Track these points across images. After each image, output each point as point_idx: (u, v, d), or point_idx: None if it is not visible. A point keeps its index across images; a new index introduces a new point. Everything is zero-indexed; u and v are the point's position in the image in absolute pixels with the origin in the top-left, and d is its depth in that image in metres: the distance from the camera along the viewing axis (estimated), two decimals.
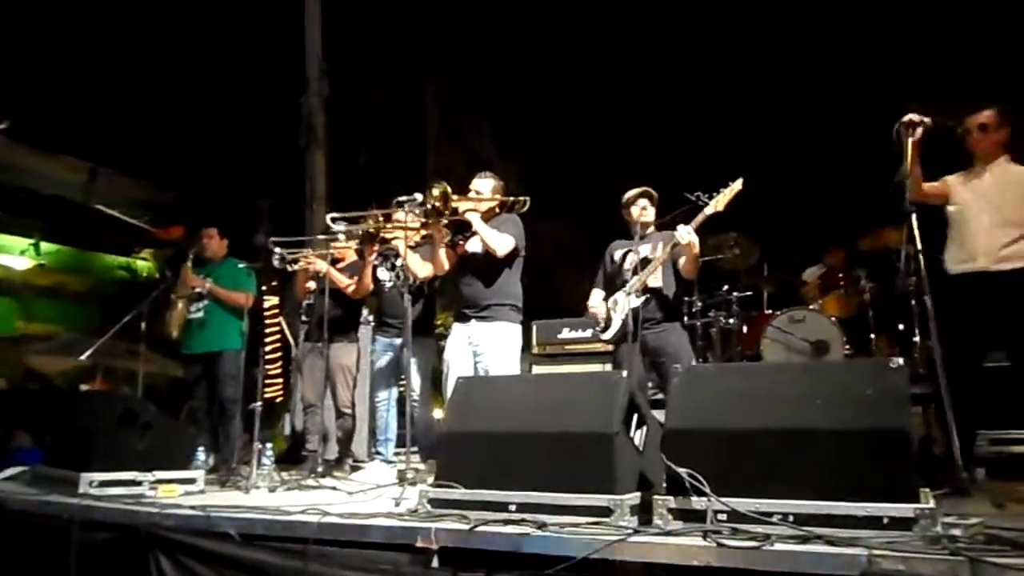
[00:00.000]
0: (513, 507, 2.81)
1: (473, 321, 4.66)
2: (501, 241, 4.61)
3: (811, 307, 6.40)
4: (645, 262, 4.48)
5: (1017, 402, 4.24)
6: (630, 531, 2.51)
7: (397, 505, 3.29)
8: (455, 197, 4.61)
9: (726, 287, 6.93)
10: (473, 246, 4.77)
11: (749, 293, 6.87)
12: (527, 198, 4.85)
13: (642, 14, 11.78)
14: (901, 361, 2.49)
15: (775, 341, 6.16)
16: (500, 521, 2.74)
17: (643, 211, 4.67)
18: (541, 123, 12.67)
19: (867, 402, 2.44)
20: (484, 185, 4.87)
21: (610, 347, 4.95)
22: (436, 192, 4.53)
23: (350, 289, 5.47)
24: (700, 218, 4.32)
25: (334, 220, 5.03)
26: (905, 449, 2.37)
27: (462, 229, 4.85)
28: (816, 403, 2.51)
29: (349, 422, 5.66)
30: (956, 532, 2.29)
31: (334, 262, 5.59)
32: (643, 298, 4.43)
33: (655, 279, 4.48)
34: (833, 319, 6.09)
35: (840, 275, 6.61)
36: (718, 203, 4.31)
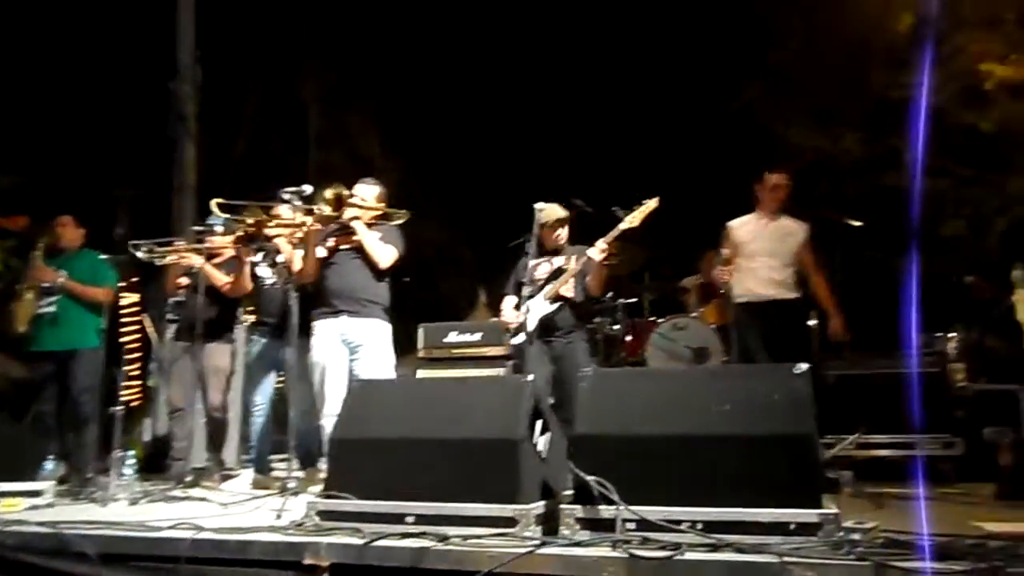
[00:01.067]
0: (411, 519, 2.64)
1: (344, 316, 4.45)
2: (386, 253, 4.46)
3: (692, 315, 6.54)
4: (559, 272, 4.52)
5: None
6: (537, 543, 2.40)
7: (279, 518, 3.05)
8: (349, 203, 4.43)
9: (611, 294, 6.99)
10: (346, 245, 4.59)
11: (634, 300, 6.95)
12: (407, 212, 4.73)
13: (527, 20, 11.86)
14: (805, 366, 2.51)
15: (659, 348, 6.25)
16: (397, 534, 2.56)
17: (558, 236, 4.70)
18: (425, 126, 12.53)
19: (774, 407, 2.45)
20: (369, 192, 4.68)
21: (500, 352, 4.89)
22: (329, 195, 4.30)
23: (227, 287, 5.11)
24: (614, 233, 4.38)
25: (221, 207, 4.65)
26: (811, 454, 2.38)
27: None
28: (725, 408, 2.49)
29: (220, 427, 5.27)
30: (856, 537, 2.32)
31: (209, 257, 5.21)
32: (556, 305, 4.47)
33: (567, 289, 4.53)
34: (713, 326, 6.24)
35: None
36: (634, 219, 4.39)
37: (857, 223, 6.58)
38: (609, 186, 4.62)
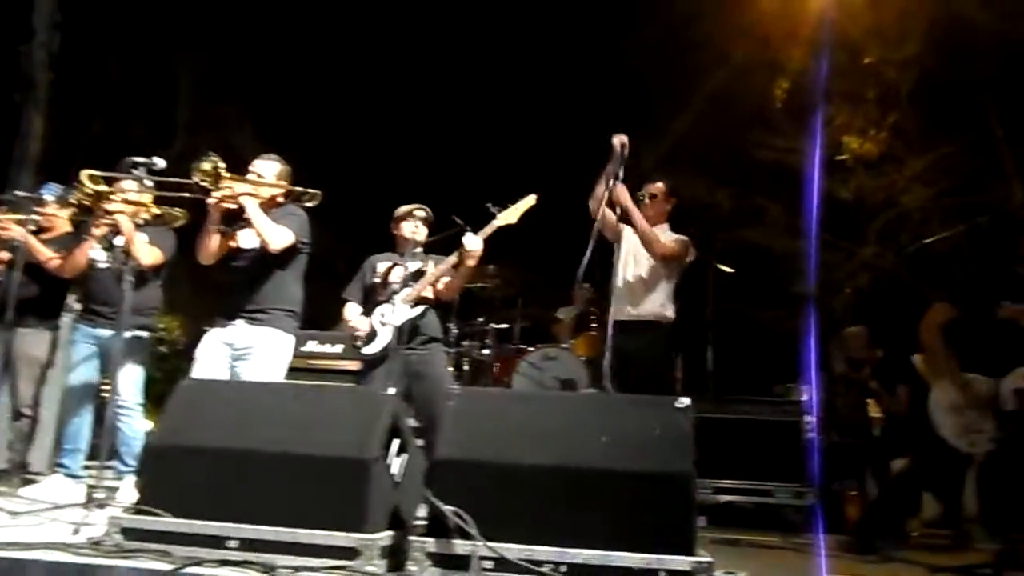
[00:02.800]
0: (234, 544, 2.26)
1: (241, 322, 3.92)
2: (277, 234, 3.93)
3: (563, 345, 6.41)
4: (419, 274, 4.12)
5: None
6: None
7: (76, 533, 2.58)
8: (228, 176, 3.89)
9: (482, 318, 6.78)
10: (248, 240, 4.05)
11: (505, 326, 6.76)
12: (319, 192, 4.19)
13: (410, 26, 11.68)
14: (688, 401, 2.35)
15: (526, 377, 6.06)
16: (215, 562, 2.18)
17: (416, 229, 4.31)
18: (304, 124, 12.03)
19: (654, 443, 2.26)
20: (268, 168, 4.15)
21: (352, 365, 4.50)
22: (206, 166, 3.80)
23: (53, 264, 4.49)
24: (490, 229, 4.07)
25: (93, 178, 4.00)
26: (687, 495, 2.21)
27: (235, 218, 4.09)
28: (602, 440, 2.28)
29: (27, 425, 4.61)
30: None
31: (39, 231, 4.58)
32: (420, 309, 4.06)
33: (428, 293, 4.14)
34: (583, 359, 6.13)
35: (593, 315, 6.71)
36: (509, 215, 4.09)
37: (728, 269, 6.73)
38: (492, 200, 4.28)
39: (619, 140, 4.15)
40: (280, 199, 4.10)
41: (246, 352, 3.88)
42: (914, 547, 4.24)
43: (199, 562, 2.15)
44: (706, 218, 11.51)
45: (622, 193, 4.25)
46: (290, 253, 3.99)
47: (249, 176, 4.06)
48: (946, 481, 5.41)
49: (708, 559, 2.13)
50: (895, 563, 3.45)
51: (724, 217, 11.54)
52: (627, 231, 4.41)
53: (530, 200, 4.16)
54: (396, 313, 4.05)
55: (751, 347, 10.65)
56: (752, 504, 5.21)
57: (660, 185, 4.60)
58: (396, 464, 2.55)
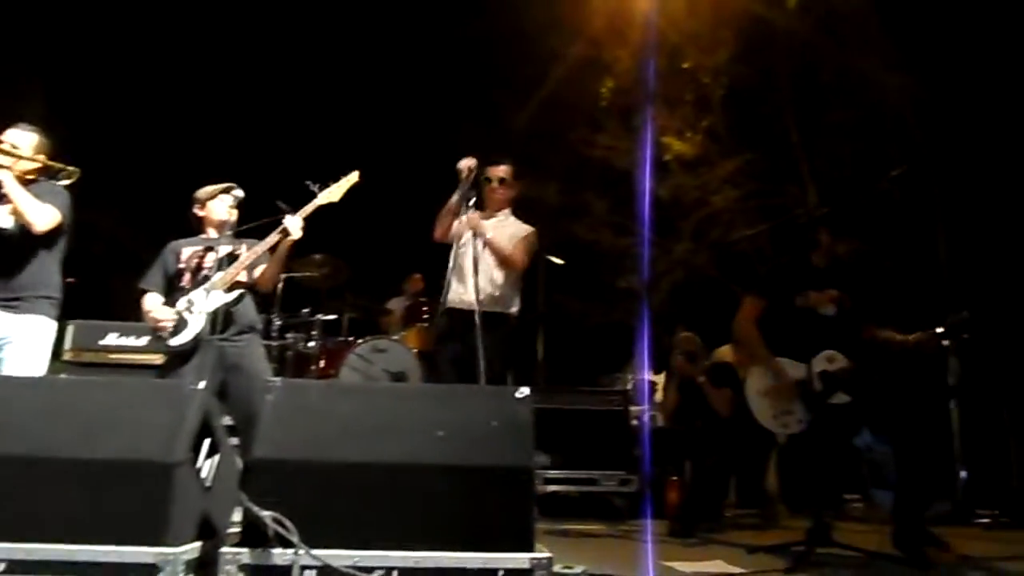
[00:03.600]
0: (1, 566, 1.91)
1: None
2: (43, 213, 3.47)
3: (394, 337, 6.21)
4: (232, 257, 3.76)
5: None
6: None
7: None
8: None
9: (307, 309, 6.43)
10: (3, 220, 3.53)
11: (333, 317, 6.46)
12: (77, 169, 3.75)
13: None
14: (528, 390, 2.25)
15: (354, 369, 5.81)
16: None
17: (229, 210, 3.93)
18: (102, 104, 10.97)
19: (492, 435, 2.14)
20: (23, 139, 3.64)
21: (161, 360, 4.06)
22: None
23: None
24: (311, 207, 3.78)
25: None
26: (527, 490, 2.11)
27: None
28: (438, 434, 2.14)
29: None
30: None
31: None
32: (235, 295, 3.69)
33: (243, 278, 3.78)
34: (414, 351, 5.96)
35: (424, 306, 6.56)
36: (332, 193, 3.82)
37: (559, 261, 6.82)
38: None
39: (466, 165, 4.01)
40: (32, 175, 3.64)
41: (3, 342, 3.42)
42: (728, 528, 4.45)
43: None
44: (535, 212, 11.63)
45: (477, 223, 4.09)
46: (55, 234, 3.58)
47: (2, 147, 3.56)
48: (753, 464, 5.78)
49: (547, 555, 2.05)
50: (715, 545, 3.56)
51: (552, 212, 11.75)
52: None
53: (353, 177, 3.90)
54: (208, 300, 3.67)
55: (579, 339, 10.93)
56: (578, 493, 5.27)
57: (506, 168, 4.41)
58: (206, 467, 2.27)
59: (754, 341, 3.70)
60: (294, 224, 3.69)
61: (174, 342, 3.64)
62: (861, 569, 2.88)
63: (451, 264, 4.16)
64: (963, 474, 5.90)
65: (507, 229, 4.35)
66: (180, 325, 3.66)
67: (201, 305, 3.67)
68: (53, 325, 3.61)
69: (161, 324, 3.68)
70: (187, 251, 3.86)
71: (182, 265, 3.84)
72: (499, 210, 4.38)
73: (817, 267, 3.76)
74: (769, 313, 3.73)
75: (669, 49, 10.52)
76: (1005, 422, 6.11)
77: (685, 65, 10.76)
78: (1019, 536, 4.37)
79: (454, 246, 4.19)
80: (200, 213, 3.96)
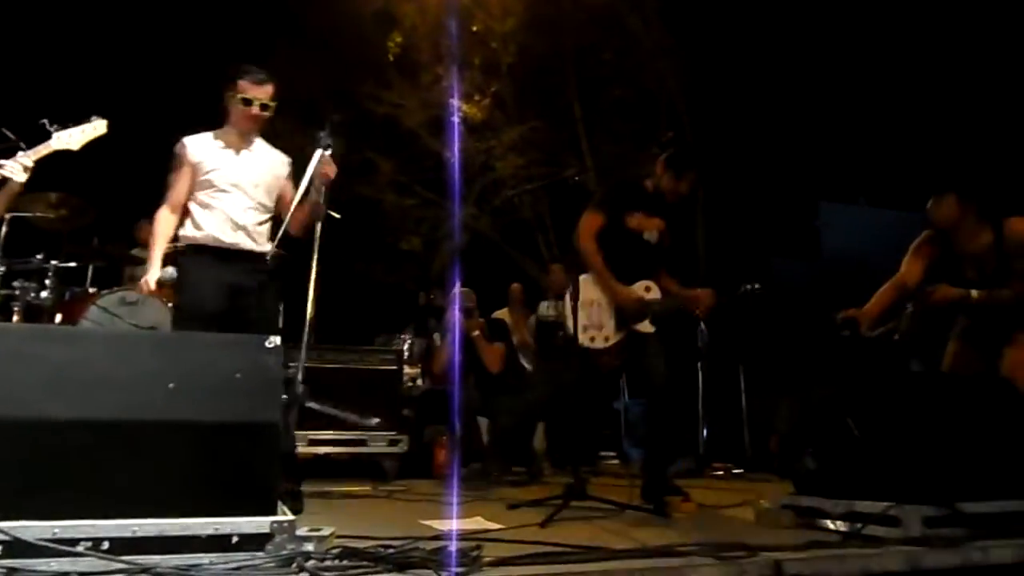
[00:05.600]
0: None
1: None
2: None
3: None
4: None
5: None
6: None
7: None
8: None
9: (40, 255, 5.62)
10: None
11: (72, 264, 5.69)
12: None
13: None
14: (278, 340, 2.04)
15: (97, 324, 5.19)
16: None
17: None
18: None
19: (235, 388, 1.92)
20: None
21: None
22: None
23: None
24: (44, 150, 3.23)
25: None
26: (271, 447, 1.92)
27: None
28: (169, 387, 1.87)
29: None
30: (310, 548, 1.93)
31: None
32: None
33: None
34: (171, 304, 5.42)
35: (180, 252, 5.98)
36: (72, 138, 3.28)
37: (336, 215, 6.50)
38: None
39: None
40: None
41: None
42: (493, 485, 4.51)
43: None
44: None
45: None
46: None
47: None
48: (523, 426, 5.91)
49: (289, 517, 1.88)
50: (476, 502, 3.57)
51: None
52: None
53: (100, 128, 3.39)
54: None
55: (358, 299, 10.66)
56: (348, 455, 5.10)
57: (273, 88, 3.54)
58: None
59: (592, 254, 3.64)
60: (15, 167, 3.15)
61: None
62: (611, 520, 2.99)
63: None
64: (704, 432, 6.46)
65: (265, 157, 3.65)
66: None
67: None
68: None
69: None
70: None
71: None
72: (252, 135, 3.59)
73: (651, 193, 3.78)
74: (604, 230, 3.70)
75: (460, 11, 10.42)
76: (740, 384, 6.75)
77: (474, 28, 10.73)
78: (749, 486, 4.81)
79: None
80: None
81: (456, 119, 10.75)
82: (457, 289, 6.05)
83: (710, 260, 10.75)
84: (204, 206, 3.42)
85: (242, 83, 3.45)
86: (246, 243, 3.44)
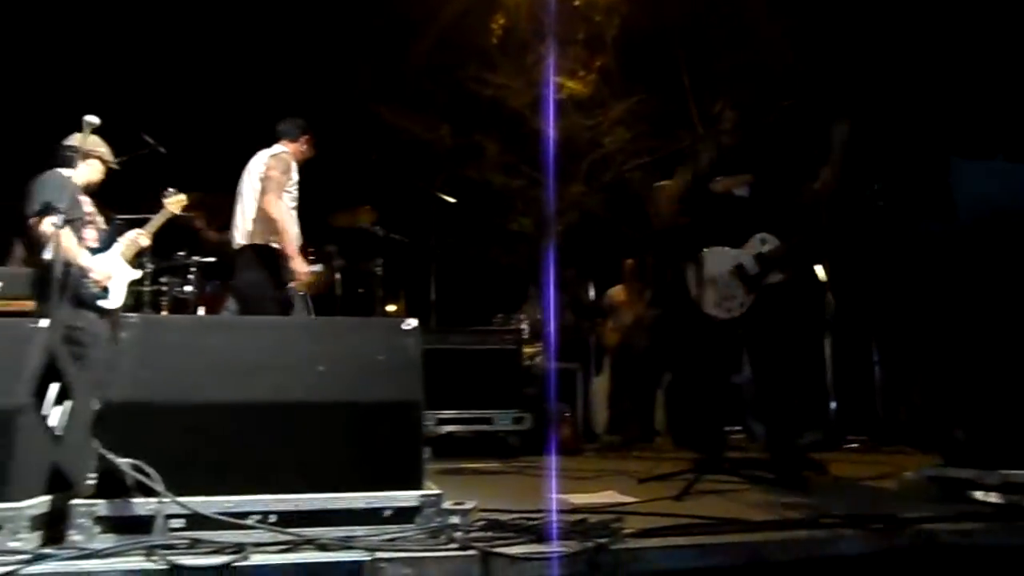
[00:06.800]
0: None
1: None
2: None
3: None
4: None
5: None
6: (26, 557, 1.63)
7: None
8: None
9: (183, 252, 6.03)
10: None
11: (213, 260, 6.06)
12: None
13: None
14: (415, 322, 2.12)
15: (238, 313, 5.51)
16: None
17: None
18: None
19: (378, 369, 2.01)
20: None
21: (27, 307, 3.82)
22: None
23: None
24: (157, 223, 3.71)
25: None
26: (415, 425, 2.00)
27: None
28: (318, 370, 1.98)
29: None
30: (456, 520, 2.00)
31: None
32: None
33: None
34: (302, 295, 5.68)
35: (311, 249, 6.27)
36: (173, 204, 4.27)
37: (450, 199, 6.64)
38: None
39: None
40: None
41: None
42: (617, 459, 4.52)
43: None
44: (428, 154, 11.38)
45: None
46: None
47: None
48: (642, 398, 5.88)
49: (436, 491, 1.96)
50: (605, 476, 3.59)
51: (445, 153, 11.50)
52: None
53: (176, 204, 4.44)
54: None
55: (472, 280, 10.83)
56: (473, 433, 5.23)
57: None
58: (55, 414, 2.05)
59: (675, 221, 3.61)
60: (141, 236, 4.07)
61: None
62: (746, 493, 2.94)
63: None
64: (833, 404, 6.22)
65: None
66: None
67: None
68: None
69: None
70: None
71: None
72: None
73: (726, 148, 3.69)
74: (689, 202, 3.64)
75: None
76: (872, 355, 6.46)
77: (576, 2, 10.61)
78: (885, 458, 4.62)
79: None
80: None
81: (551, 95, 10.68)
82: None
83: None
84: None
85: None
86: None
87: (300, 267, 4.47)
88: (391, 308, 7.12)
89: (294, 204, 4.62)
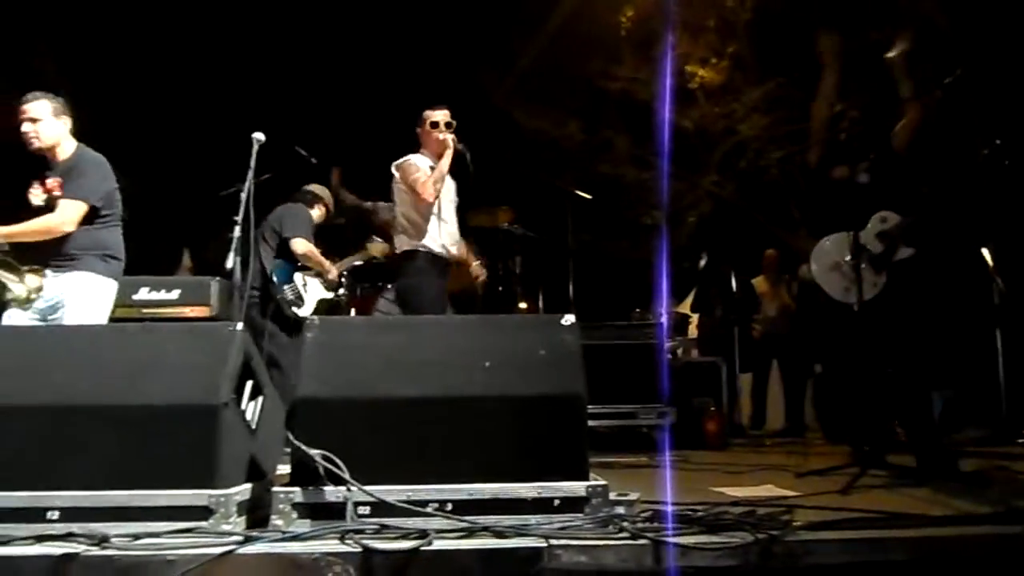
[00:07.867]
0: (55, 514, 1.90)
1: (48, 273, 3.41)
2: (59, 222, 3.40)
3: None
4: None
5: None
6: (239, 539, 1.80)
7: None
8: None
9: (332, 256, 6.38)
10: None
11: (359, 263, 6.38)
12: None
13: None
14: (573, 318, 2.18)
15: (386, 315, 5.79)
16: (31, 538, 1.82)
17: None
18: (113, 63, 10.72)
19: (541, 364, 2.08)
20: (42, 108, 3.50)
21: (204, 312, 4.21)
22: None
23: None
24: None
25: None
26: (579, 417, 2.06)
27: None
28: (484, 366, 2.08)
29: None
30: (622, 511, 2.04)
31: None
32: None
33: None
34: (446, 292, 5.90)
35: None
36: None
37: (587, 196, 6.66)
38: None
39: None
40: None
41: (57, 305, 3.38)
42: (769, 454, 4.41)
43: (7, 540, 1.78)
44: (557, 151, 11.45)
45: None
46: (89, 214, 3.47)
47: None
48: (791, 391, 5.68)
49: (602, 482, 2.01)
50: (760, 471, 3.53)
51: (574, 149, 11.54)
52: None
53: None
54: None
55: (607, 275, 10.82)
56: (615, 428, 5.24)
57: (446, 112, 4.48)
58: (250, 409, 2.24)
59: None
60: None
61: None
62: (912, 488, 2.81)
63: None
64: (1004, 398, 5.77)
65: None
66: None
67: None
68: (105, 281, 3.51)
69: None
70: None
71: None
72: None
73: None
74: (812, 193, 3.64)
75: None
76: None
77: None
78: None
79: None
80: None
81: (667, 82, 10.46)
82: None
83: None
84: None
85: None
86: None
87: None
88: (522, 306, 7.22)
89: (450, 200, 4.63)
